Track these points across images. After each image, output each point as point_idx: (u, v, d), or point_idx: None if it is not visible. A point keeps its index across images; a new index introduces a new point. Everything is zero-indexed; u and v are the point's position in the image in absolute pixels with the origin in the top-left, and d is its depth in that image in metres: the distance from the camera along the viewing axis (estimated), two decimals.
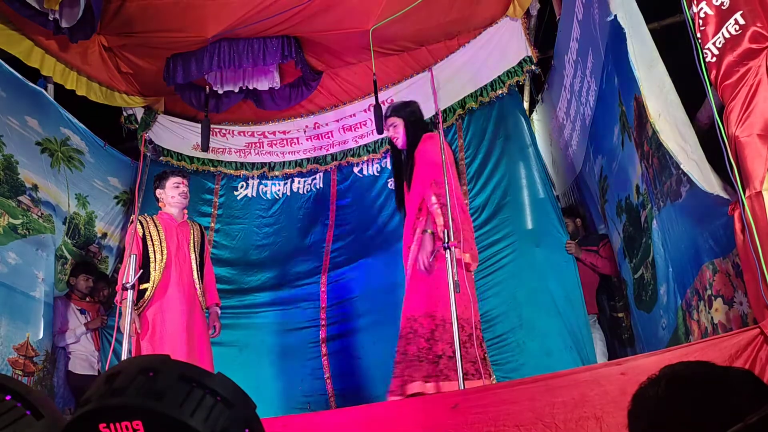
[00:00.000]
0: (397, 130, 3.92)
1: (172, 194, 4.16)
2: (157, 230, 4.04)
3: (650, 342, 3.80)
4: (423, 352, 3.45)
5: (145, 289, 3.87)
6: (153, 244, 3.97)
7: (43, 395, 0.81)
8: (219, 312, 4.26)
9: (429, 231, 3.58)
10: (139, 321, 3.80)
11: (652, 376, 1.09)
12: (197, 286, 4.07)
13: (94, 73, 5.45)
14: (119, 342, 3.70)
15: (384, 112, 4.06)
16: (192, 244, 4.15)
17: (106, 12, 4.80)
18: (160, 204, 4.22)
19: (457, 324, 3.10)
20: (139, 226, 4.00)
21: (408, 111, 3.98)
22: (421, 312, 3.53)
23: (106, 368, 4.70)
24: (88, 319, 5.20)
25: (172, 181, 4.18)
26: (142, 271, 3.53)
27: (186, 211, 4.28)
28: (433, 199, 3.55)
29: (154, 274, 3.91)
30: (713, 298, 2.81)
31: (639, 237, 3.77)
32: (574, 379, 2.33)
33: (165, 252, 3.99)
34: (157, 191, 4.22)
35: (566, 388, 2.27)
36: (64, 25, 4.66)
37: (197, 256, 4.15)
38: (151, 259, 3.94)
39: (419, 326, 3.51)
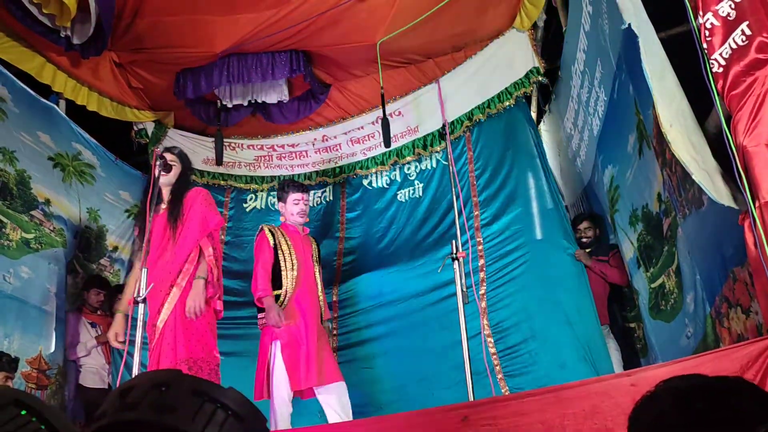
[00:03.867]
0: (174, 170, 3.92)
1: (292, 211, 4.25)
2: (286, 240, 4.16)
3: (667, 352, 3.77)
4: None
5: (278, 296, 4.01)
6: (283, 254, 4.10)
7: (57, 410, 0.83)
8: (330, 326, 4.45)
9: (203, 277, 3.73)
10: (283, 314, 3.94)
11: (649, 392, 1.08)
12: (321, 298, 4.21)
13: (105, 88, 5.51)
14: (131, 354, 3.71)
15: (170, 148, 4.13)
16: (313, 258, 4.27)
17: (117, 28, 4.86)
18: (281, 218, 4.32)
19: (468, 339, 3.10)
20: (270, 236, 4.13)
21: (188, 162, 4.12)
22: (202, 354, 3.70)
23: (118, 381, 4.72)
24: (99, 333, 5.22)
25: (292, 197, 4.26)
26: (153, 285, 3.55)
27: (306, 227, 4.41)
28: (210, 250, 3.81)
29: (286, 282, 4.05)
30: (732, 307, 2.81)
31: (659, 245, 3.75)
32: (584, 391, 2.32)
33: (295, 262, 4.11)
34: (279, 204, 4.35)
35: (577, 400, 2.27)
36: (75, 41, 4.73)
37: (318, 269, 4.30)
38: (282, 268, 4.07)
39: (198, 369, 3.68)
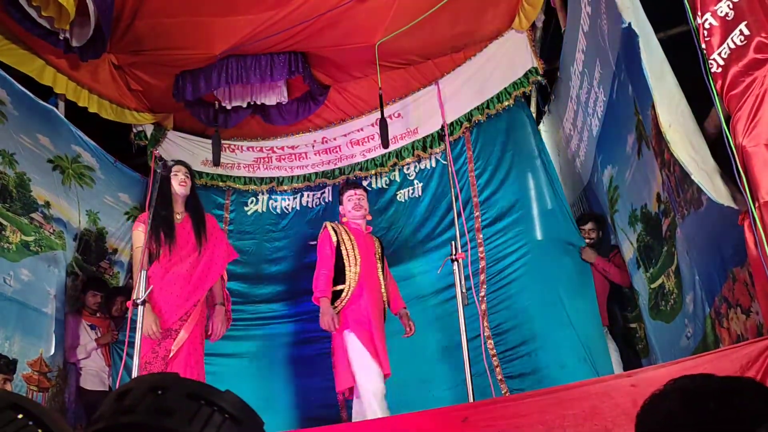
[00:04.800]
0: (189, 183, 4.14)
1: (348, 207, 4.41)
2: (349, 237, 4.28)
3: (667, 352, 3.77)
4: None
5: (341, 291, 4.14)
6: (346, 250, 4.23)
7: (55, 413, 0.83)
8: (409, 313, 4.42)
9: (223, 304, 4.10)
10: (337, 318, 4.06)
11: (657, 391, 1.08)
12: (383, 293, 4.29)
13: (105, 90, 5.51)
14: (130, 356, 3.72)
15: (181, 162, 4.27)
16: (376, 255, 4.38)
17: (116, 31, 4.86)
18: (343, 219, 4.45)
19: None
20: (332, 232, 4.29)
21: (192, 171, 4.30)
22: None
23: (117, 383, 4.72)
24: (99, 335, 5.22)
25: (346, 194, 4.45)
26: (152, 287, 3.56)
27: (369, 226, 4.52)
28: (226, 278, 4.26)
29: (350, 276, 4.16)
30: (732, 307, 2.81)
31: (659, 246, 3.75)
32: (584, 392, 2.32)
33: (358, 258, 4.22)
34: (340, 208, 4.51)
35: (577, 401, 2.27)
36: (74, 44, 4.73)
37: (381, 266, 4.38)
38: (345, 264, 4.19)
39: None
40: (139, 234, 3.98)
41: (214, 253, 4.12)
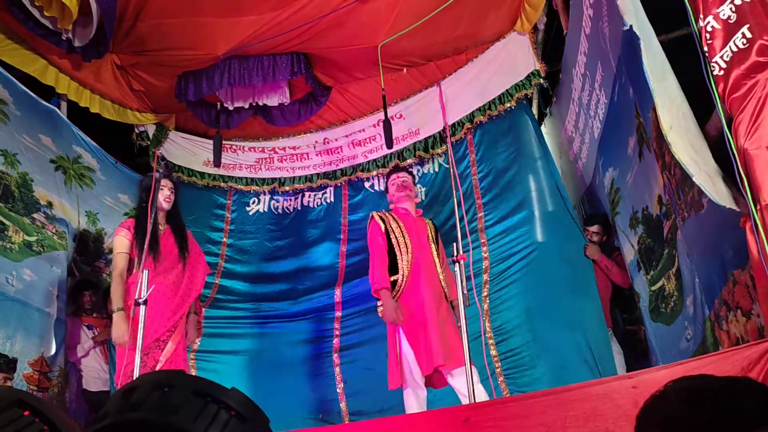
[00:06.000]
0: (171, 198, 4.14)
1: (392, 191, 4.34)
2: (398, 224, 4.17)
3: (667, 354, 3.77)
4: None
5: (395, 281, 4.02)
6: (396, 238, 4.11)
7: (60, 410, 0.83)
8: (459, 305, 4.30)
9: (196, 313, 4.22)
10: (400, 309, 3.94)
11: (657, 392, 1.08)
12: (441, 278, 4.16)
13: (107, 91, 5.52)
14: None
15: (170, 176, 4.27)
16: (429, 239, 4.27)
17: (118, 31, 4.86)
18: (390, 206, 4.38)
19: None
20: (380, 221, 4.17)
21: (178, 186, 4.32)
22: None
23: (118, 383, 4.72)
24: (96, 334, 5.22)
25: (390, 180, 4.40)
26: (153, 287, 3.57)
27: (419, 209, 4.43)
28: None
29: (402, 266, 4.04)
30: (731, 310, 2.81)
31: (660, 248, 3.75)
32: (585, 393, 2.32)
33: (409, 244, 4.10)
34: (387, 195, 4.45)
35: (578, 402, 2.27)
36: (77, 44, 4.74)
37: (436, 249, 4.27)
38: (397, 253, 4.08)
39: None
40: (122, 239, 4.03)
41: (196, 267, 4.21)
